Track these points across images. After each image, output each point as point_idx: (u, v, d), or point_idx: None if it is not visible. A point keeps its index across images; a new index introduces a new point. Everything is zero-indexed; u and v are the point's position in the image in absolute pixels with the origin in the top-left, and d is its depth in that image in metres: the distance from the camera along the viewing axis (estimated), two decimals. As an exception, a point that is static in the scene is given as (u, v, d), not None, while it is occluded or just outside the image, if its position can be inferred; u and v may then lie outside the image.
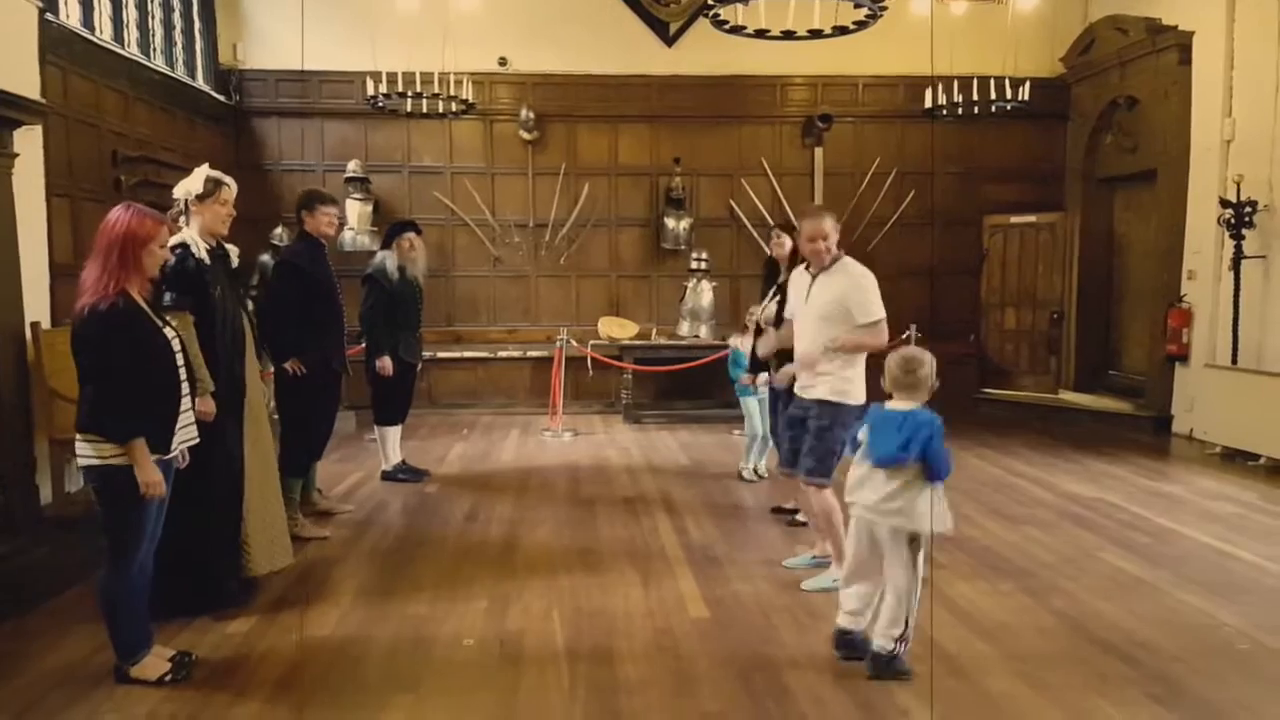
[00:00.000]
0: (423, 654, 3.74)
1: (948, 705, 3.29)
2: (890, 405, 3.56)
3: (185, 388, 3.45)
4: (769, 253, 5.91)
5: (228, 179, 4.26)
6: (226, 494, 4.15)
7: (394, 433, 6.76)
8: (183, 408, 3.44)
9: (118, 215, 3.32)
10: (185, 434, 3.49)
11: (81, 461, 3.31)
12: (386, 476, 6.71)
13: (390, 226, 6.88)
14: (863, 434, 3.59)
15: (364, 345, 6.59)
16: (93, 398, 3.24)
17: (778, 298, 5.35)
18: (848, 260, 4.46)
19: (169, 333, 3.43)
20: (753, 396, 6.63)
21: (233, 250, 4.34)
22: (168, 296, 3.88)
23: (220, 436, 4.03)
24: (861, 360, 4.40)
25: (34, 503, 5.69)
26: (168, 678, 3.41)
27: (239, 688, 3.42)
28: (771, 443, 6.51)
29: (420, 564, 4.88)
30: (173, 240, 3.92)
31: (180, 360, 3.43)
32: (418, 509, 6.07)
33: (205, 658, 3.66)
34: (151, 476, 3.26)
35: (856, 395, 4.37)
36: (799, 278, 4.60)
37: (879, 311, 4.33)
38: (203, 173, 4.16)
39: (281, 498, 4.60)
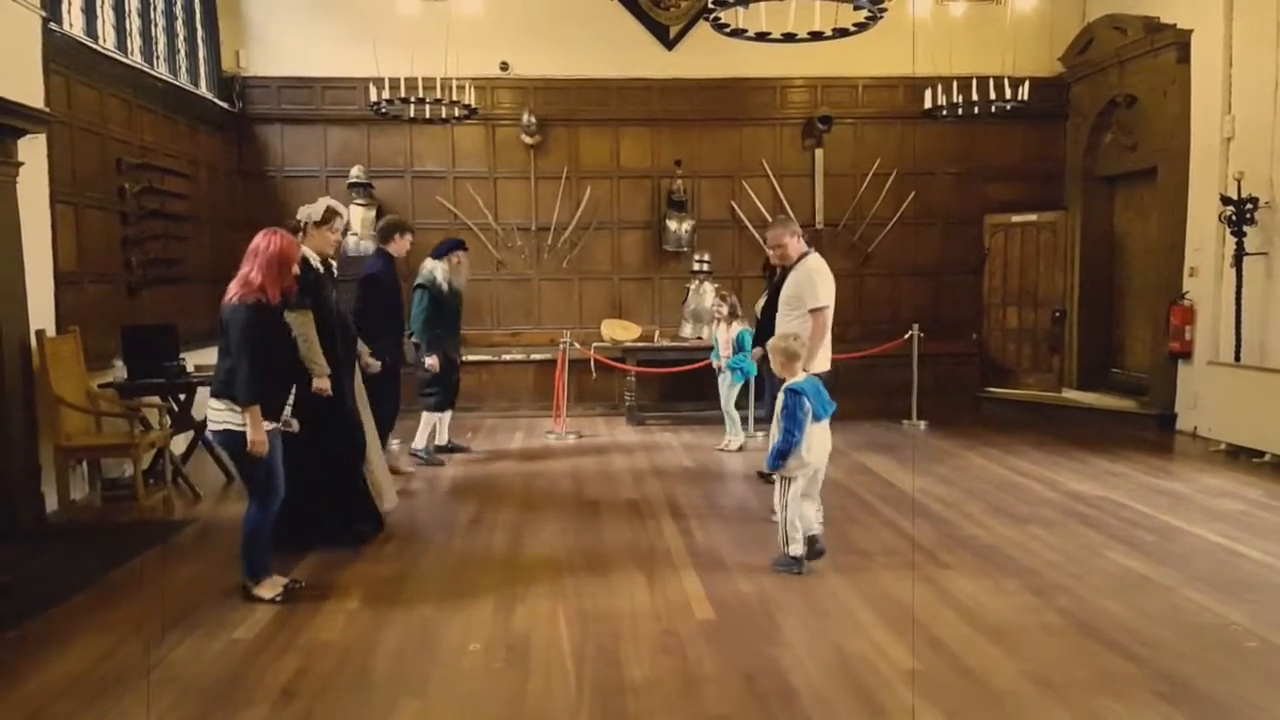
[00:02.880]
0: (429, 658, 3.75)
1: (954, 704, 3.30)
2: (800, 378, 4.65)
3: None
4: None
5: (341, 209, 5.25)
6: (357, 447, 5.27)
7: (444, 418, 7.59)
8: (291, 391, 4.36)
9: (272, 239, 4.20)
10: (288, 410, 4.35)
11: (214, 424, 4.21)
12: (413, 454, 7.41)
13: (443, 243, 7.51)
14: (809, 405, 4.56)
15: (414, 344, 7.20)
16: (231, 370, 4.09)
17: (767, 292, 6.67)
18: (808, 257, 5.57)
19: (293, 332, 4.51)
20: (720, 376, 7.86)
21: (334, 265, 5.34)
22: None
23: (343, 406, 5.07)
24: (824, 338, 5.40)
25: (39, 510, 5.71)
26: (279, 598, 4.28)
27: (245, 694, 3.43)
28: (737, 416, 7.92)
29: (425, 567, 4.89)
30: None
31: (300, 352, 4.61)
32: (422, 512, 6.08)
33: (210, 664, 3.68)
34: (259, 436, 4.08)
35: (817, 365, 5.24)
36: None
37: (821, 300, 5.42)
38: (325, 202, 5.13)
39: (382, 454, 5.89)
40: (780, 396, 4.60)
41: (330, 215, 5.10)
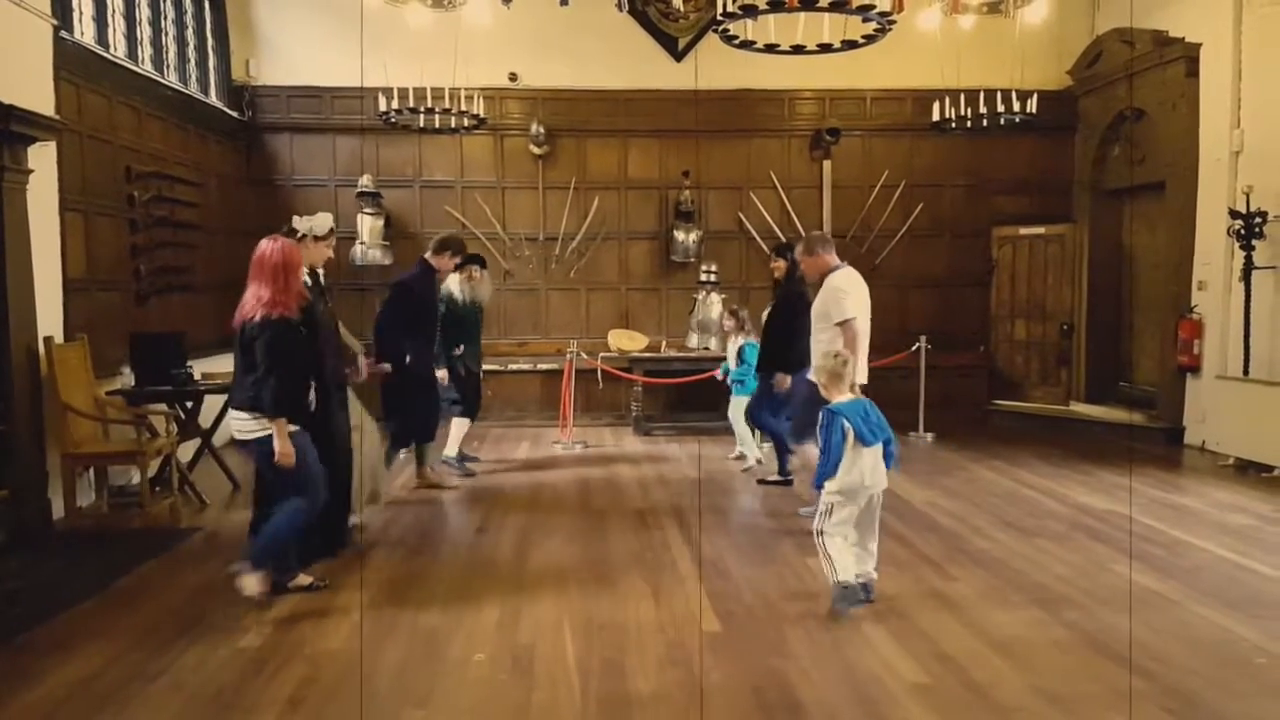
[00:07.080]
0: (433, 668, 3.74)
1: (961, 719, 3.28)
2: (846, 398, 4.31)
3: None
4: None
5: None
6: (346, 454, 5.05)
7: (466, 425, 7.58)
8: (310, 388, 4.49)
9: (274, 247, 4.32)
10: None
11: (241, 434, 4.39)
12: (445, 462, 7.37)
13: (463, 258, 7.35)
14: (848, 427, 4.18)
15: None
16: (258, 383, 4.23)
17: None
18: (836, 273, 5.63)
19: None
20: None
21: (320, 274, 5.25)
22: None
23: (328, 423, 4.82)
24: (858, 352, 5.21)
25: (46, 518, 5.72)
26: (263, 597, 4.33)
27: (250, 704, 3.42)
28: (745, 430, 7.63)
29: (431, 577, 4.88)
30: None
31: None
32: (429, 522, 6.07)
33: (216, 672, 3.67)
34: (286, 447, 4.25)
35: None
36: None
37: (849, 312, 5.41)
38: (328, 218, 5.13)
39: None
40: (820, 416, 4.31)
41: (329, 233, 5.11)
